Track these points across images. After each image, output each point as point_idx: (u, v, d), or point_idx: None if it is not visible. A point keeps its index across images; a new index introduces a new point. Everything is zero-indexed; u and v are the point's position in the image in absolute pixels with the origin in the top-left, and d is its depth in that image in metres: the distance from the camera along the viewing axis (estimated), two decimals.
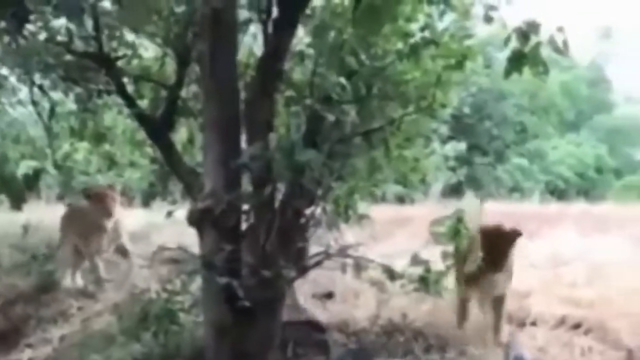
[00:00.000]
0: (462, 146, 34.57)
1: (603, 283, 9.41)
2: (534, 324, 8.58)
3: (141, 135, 8.96)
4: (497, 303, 8.23)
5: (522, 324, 8.56)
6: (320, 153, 6.10)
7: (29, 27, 7.45)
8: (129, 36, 7.98)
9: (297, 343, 7.44)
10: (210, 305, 6.88)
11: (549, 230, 12.73)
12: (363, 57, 6.66)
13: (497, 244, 7.86)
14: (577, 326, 8.37)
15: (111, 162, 10.34)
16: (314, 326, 7.83)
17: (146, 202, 20.45)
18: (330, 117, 6.39)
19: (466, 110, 37.11)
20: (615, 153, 44.79)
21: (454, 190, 29.03)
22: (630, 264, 10.18)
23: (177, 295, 6.82)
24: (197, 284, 6.96)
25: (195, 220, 6.71)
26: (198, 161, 7.48)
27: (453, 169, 33.28)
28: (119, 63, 7.88)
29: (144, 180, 11.62)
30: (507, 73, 5.70)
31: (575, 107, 47.97)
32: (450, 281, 7.52)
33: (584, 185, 39.53)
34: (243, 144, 6.76)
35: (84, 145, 11.21)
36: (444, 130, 28.42)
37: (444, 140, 31.68)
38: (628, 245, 11.56)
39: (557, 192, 35.75)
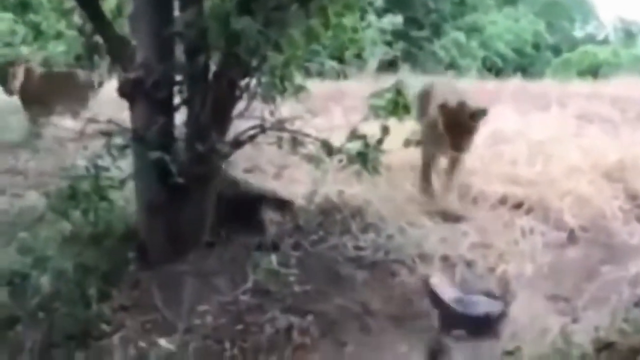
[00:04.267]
0: (398, 19, 34.11)
1: (544, 161, 9.27)
2: (474, 202, 8.47)
3: (68, 4, 8.52)
4: (453, 163, 8.37)
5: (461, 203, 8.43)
6: (256, 21, 5.86)
7: None
8: None
9: (232, 221, 7.27)
10: (143, 182, 6.75)
11: (488, 107, 12.55)
12: None
13: (460, 124, 7.87)
14: (518, 206, 8.27)
15: (37, 33, 9.89)
16: (250, 204, 7.64)
17: None
18: None
19: None
20: (553, 29, 44.49)
21: (389, 66, 28.80)
22: (571, 142, 10.05)
23: (106, 171, 6.54)
24: (129, 160, 6.73)
25: (127, 91, 6.52)
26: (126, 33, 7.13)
27: (389, 44, 32.90)
28: None
29: (70, 53, 11.23)
30: None
31: None
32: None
33: (522, 62, 39.37)
34: (175, 11, 6.47)
35: (8, 16, 10.74)
36: (380, 2, 27.89)
37: (380, 14, 31.18)
38: (569, 122, 11.43)
39: (494, 69, 35.63)
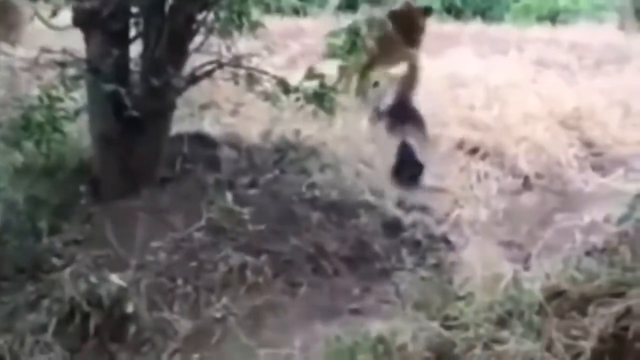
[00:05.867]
0: None
1: (501, 107, 9.24)
2: (431, 146, 8.47)
3: None
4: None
5: None
6: None
7: None
8: None
9: (186, 158, 7.21)
10: (97, 114, 6.68)
11: (446, 49, 12.48)
12: None
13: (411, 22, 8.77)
14: (474, 151, 8.27)
15: None
16: (204, 140, 7.59)
17: None
18: None
19: None
20: None
21: (349, 6, 28.54)
22: (528, 88, 10.04)
23: (60, 102, 6.42)
24: (83, 92, 6.64)
25: (82, 21, 6.43)
26: None
27: None
28: None
29: None
30: None
31: None
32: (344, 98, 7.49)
33: (481, 5, 39.12)
34: None
35: None
36: None
37: None
38: (526, 68, 11.41)
39: (453, 11, 35.42)
